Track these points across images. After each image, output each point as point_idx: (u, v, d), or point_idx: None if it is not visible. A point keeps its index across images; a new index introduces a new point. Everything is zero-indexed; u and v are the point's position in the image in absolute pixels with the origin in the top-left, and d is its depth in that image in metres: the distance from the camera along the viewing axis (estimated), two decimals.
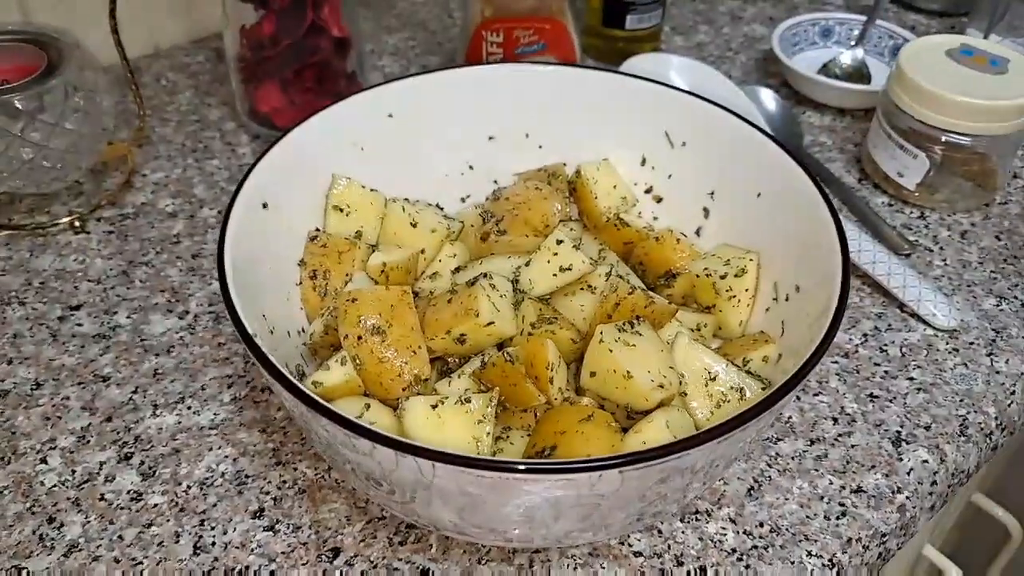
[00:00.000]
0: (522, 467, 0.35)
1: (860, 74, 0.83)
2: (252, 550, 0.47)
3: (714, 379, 0.46)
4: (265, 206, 0.50)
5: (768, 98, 0.79)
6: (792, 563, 0.48)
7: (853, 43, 0.85)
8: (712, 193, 0.57)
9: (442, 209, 0.60)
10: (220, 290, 0.42)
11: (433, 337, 0.48)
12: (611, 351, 0.45)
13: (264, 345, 0.40)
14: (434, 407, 0.43)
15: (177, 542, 0.48)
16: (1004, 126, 0.66)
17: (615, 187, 0.58)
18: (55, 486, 0.50)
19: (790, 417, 0.55)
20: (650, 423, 0.43)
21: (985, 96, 0.65)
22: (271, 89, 0.73)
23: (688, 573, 0.47)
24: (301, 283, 0.53)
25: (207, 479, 0.51)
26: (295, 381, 0.38)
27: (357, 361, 0.46)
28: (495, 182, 0.61)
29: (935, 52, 0.69)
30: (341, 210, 0.55)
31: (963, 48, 0.69)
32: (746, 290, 0.52)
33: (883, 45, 0.85)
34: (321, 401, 0.37)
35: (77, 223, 0.67)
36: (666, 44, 0.90)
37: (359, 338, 0.46)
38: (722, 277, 0.53)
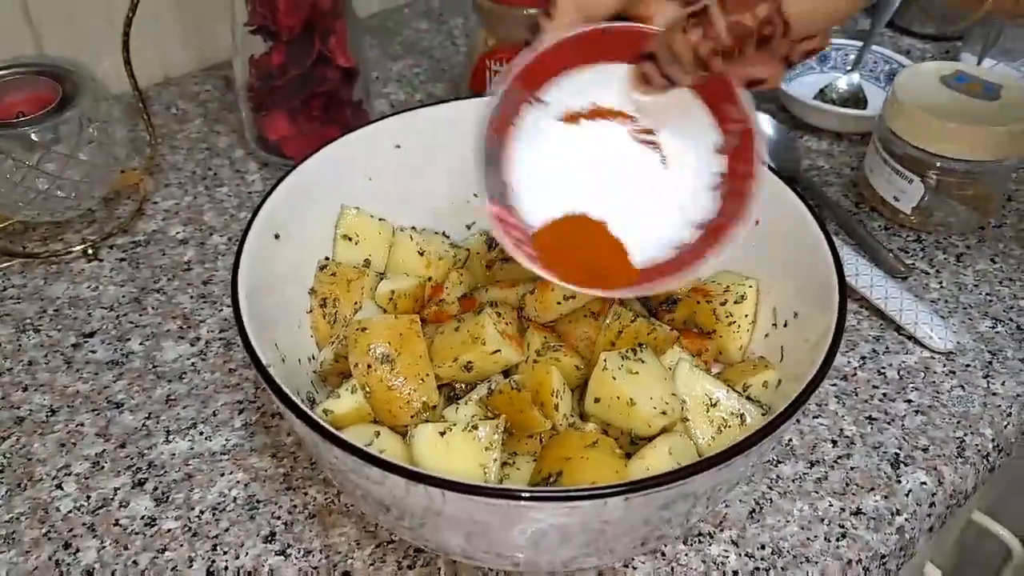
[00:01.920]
0: (529, 495, 0.36)
1: (857, 99, 0.85)
2: (264, 574, 0.48)
3: (715, 405, 0.48)
4: (277, 236, 0.51)
5: (766, 123, 0.81)
6: None
7: (849, 68, 0.87)
8: None
9: (448, 237, 0.61)
10: (235, 321, 0.44)
11: (440, 364, 0.49)
12: (614, 378, 0.46)
13: (277, 374, 0.41)
14: (442, 434, 0.44)
15: (191, 567, 0.49)
16: (998, 152, 0.67)
17: None
18: (71, 512, 0.51)
19: (790, 440, 0.56)
20: (653, 449, 0.44)
21: (979, 122, 0.66)
22: (279, 118, 0.75)
23: None
24: (311, 311, 0.54)
25: (219, 504, 0.52)
26: (307, 410, 0.39)
27: (367, 389, 0.47)
28: None
29: (930, 78, 0.70)
30: (350, 239, 0.56)
31: (957, 75, 0.71)
32: (746, 316, 0.54)
33: (879, 70, 0.87)
34: (333, 430, 0.38)
35: (90, 251, 0.68)
36: None
37: (369, 366, 0.47)
38: (722, 303, 0.54)
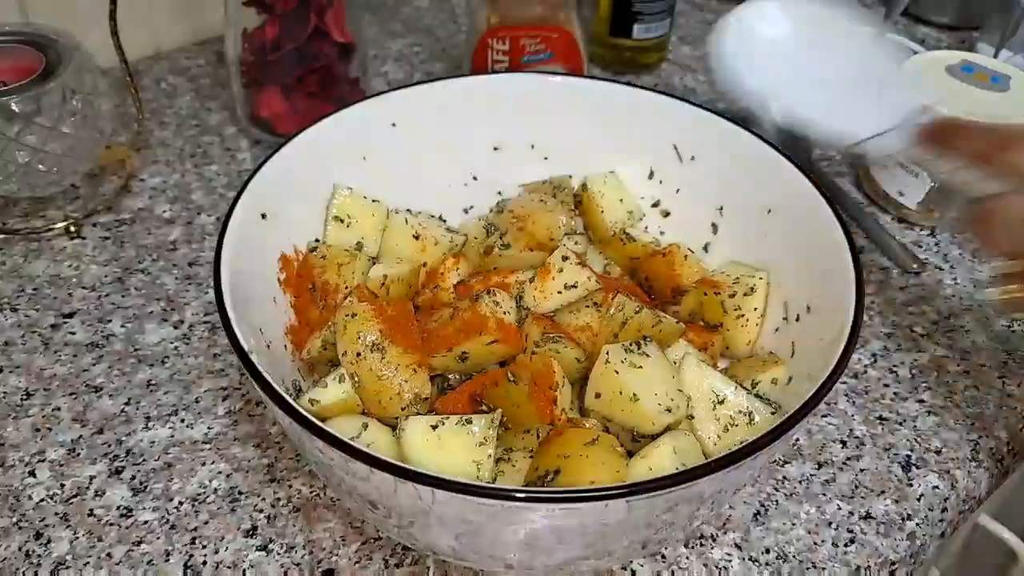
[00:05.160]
0: (524, 495, 0.34)
1: None
2: (244, 570, 0.46)
3: (722, 402, 0.45)
4: (264, 216, 0.48)
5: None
6: None
7: None
8: (721, 208, 0.56)
9: (444, 221, 0.59)
10: (216, 304, 0.41)
11: (434, 354, 0.47)
12: (617, 372, 0.44)
13: (259, 361, 0.39)
14: (434, 427, 0.42)
15: (167, 561, 0.46)
16: None
17: (622, 201, 0.57)
18: (43, 500, 0.49)
19: (797, 440, 0.54)
20: (657, 448, 0.42)
21: (986, 114, 0.63)
22: (272, 94, 0.72)
23: None
24: (300, 296, 0.51)
25: (199, 495, 0.49)
26: (290, 400, 0.37)
27: (355, 378, 0.45)
28: (499, 193, 0.60)
29: (936, 68, 0.68)
30: (342, 220, 0.53)
31: (964, 64, 0.68)
32: (755, 309, 0.51)
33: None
34: (317, 422, 0.36)
35: (72, 228, 0.66)
36: (673, 54, 0.89)
37: (358, 355, 0.45)
38: (731, 295, 0.51)
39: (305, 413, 0.36)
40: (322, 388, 0.45)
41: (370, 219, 0.54)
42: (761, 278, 0.51)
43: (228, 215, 0.45)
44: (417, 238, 0.54)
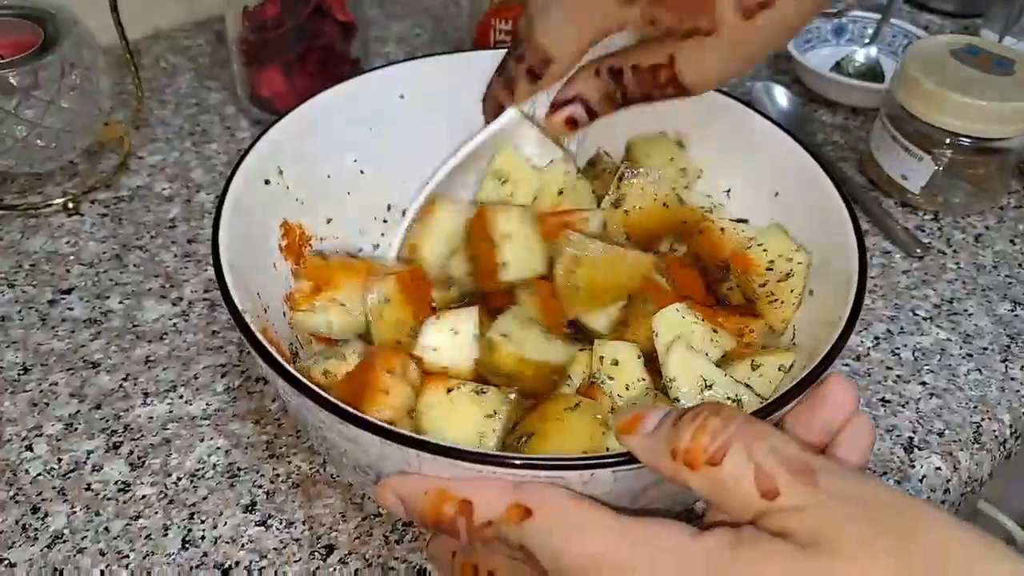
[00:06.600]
0: (501, 460, 0.33)
1: (874, 72, 0.81)
2: (243, 545, 0.46)
3: (710, 387, 0.45)
4: (267, 182, 0.48)
5: (780, 95, 0.78)
6: None
7: (867, 41, 0.84)
8: (728, 191, 0.55)
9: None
10: (212, 261, 0.40)
11: None
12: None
13: (252, 320, 0.38)
14: (449, 391, 0.41)
15: (165, 535, 0.46)
16: (1011, 128, 0.64)
17: (672, 159, 0.55)
18: (40, 475, 0.49)
19: None
20: None
21: (991, 98, 0.63)
22: (273, 73, 0.71)
23: None
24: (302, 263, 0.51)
25: (198, 471, 0.49)
26: (283, 363, 0.36)
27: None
28: None
29: (940, 52, 0.67)
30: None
31: (969, 48, 0.68)
32: (792, 291, 0.49)
33: (897, 44, 0.84)
34: (307, 382, 0.35)
35: (70, 205, 0.65)
36: None
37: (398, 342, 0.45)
38: (762, 284, 0.50)
39: (291, 369, 0.36)
40: (339, 360, 0.44)
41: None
42: (800, 262, 0.48)
43: (231, 176, 0.45)
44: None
